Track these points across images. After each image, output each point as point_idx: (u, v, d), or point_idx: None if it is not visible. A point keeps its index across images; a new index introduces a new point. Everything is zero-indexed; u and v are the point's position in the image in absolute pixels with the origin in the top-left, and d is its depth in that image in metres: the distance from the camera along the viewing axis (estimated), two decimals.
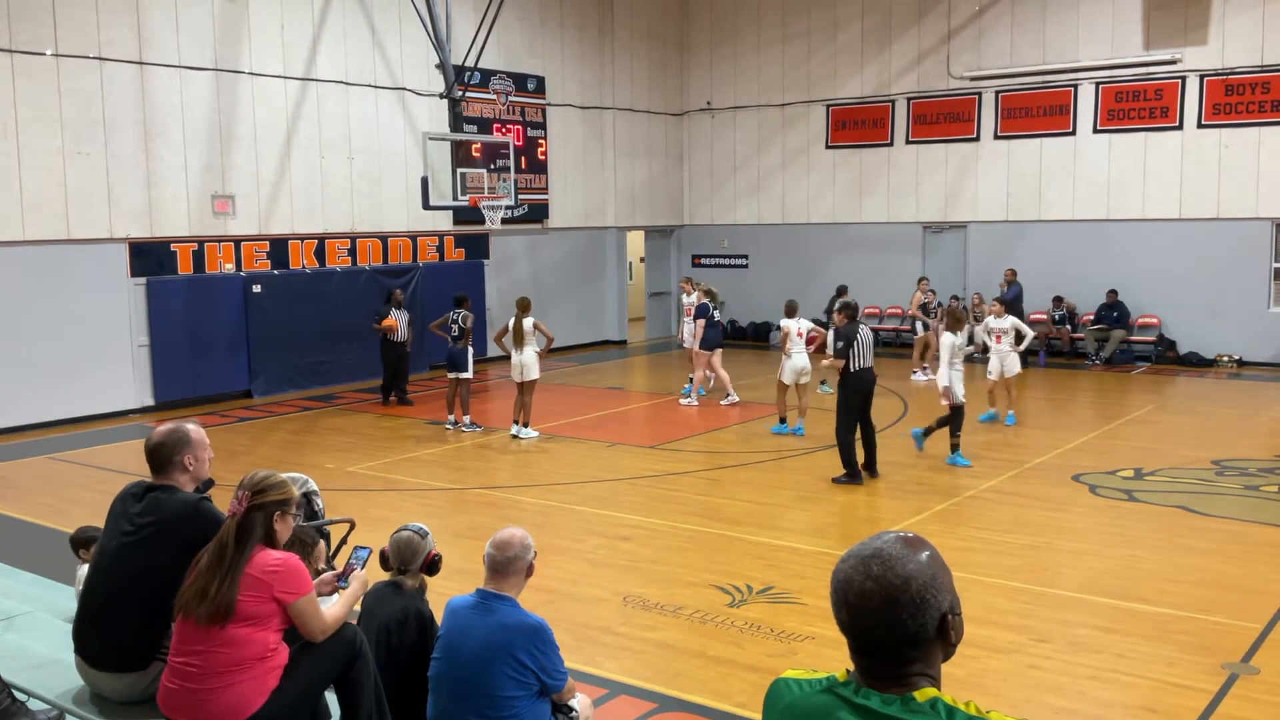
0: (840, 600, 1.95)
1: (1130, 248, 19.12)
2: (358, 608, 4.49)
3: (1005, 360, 13.48)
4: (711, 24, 23.68)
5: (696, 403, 15.41)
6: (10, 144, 13.93)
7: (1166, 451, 12.04)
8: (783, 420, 13.24)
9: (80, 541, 5.66)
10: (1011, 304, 19.56)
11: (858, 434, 10.87)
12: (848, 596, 1.93)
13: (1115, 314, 19.04)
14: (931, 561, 1.95)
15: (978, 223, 20.82)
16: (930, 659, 1.94)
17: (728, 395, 15.32)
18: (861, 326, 10.86)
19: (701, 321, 15.21)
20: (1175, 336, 18.95)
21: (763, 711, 2.09)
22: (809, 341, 13.41)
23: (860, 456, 10.86)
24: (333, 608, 4.06)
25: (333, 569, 5.14)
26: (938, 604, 1.91)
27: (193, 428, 4.36)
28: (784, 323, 13.51)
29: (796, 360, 13.13)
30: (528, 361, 13.29)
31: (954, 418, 11.46)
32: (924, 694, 1.90)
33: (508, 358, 13.78)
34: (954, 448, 11.46)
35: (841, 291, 15.64)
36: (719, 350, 15.33)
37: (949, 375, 11.39)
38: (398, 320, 15.52)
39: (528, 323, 13.41)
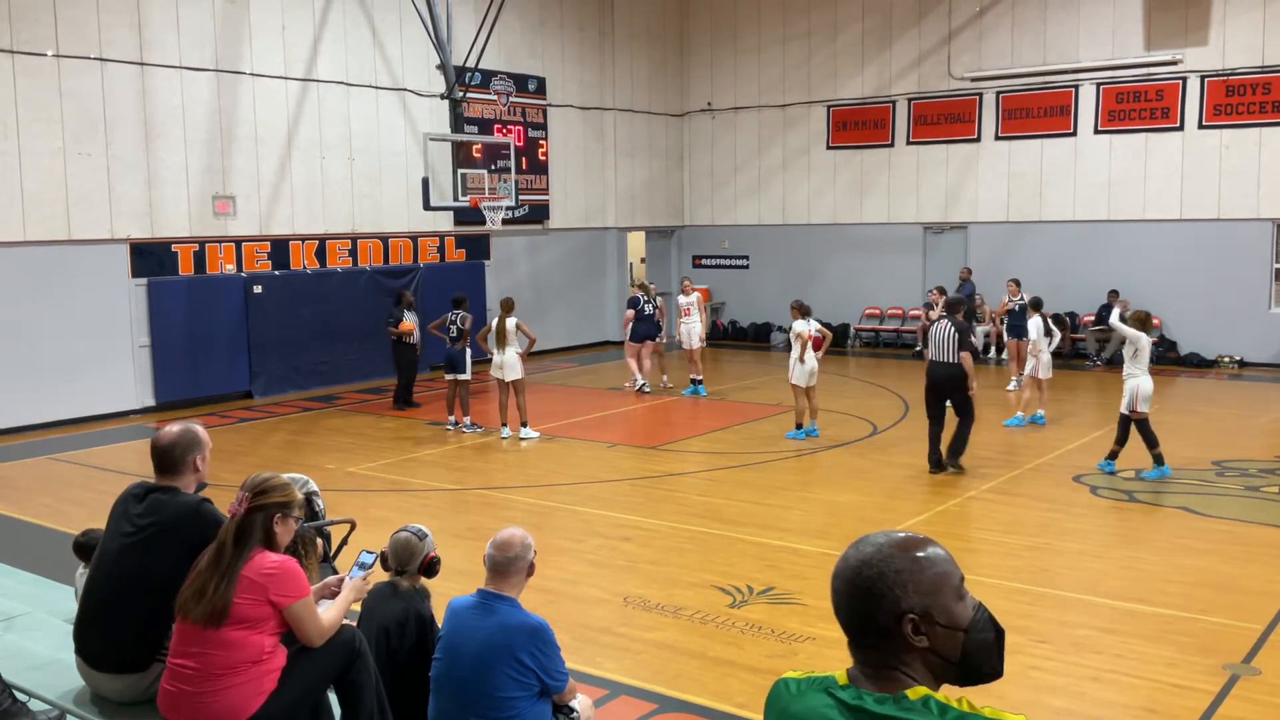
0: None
1: (1131, 249, 19.11)
2: (357, 608, 4.48)
3: (1040, 360, 13.71)
4: (711, 25, 23.68)
5: (635, 390, 16.52)
6: (11, 144, 13.94)
7: (1167, 452, 11.98)
8: (799, 425, 13.21)
9: (84, 546, 5.54)
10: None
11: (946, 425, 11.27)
12: (831, 578, 2.02)
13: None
14: (913, 562, 1.93)
15: (978, 223, 20.82)
16: (904, 659, 1.92)
17: (635, 381, 16.57)
18: (941, 321, 11.25)
19: (631, 313, 16.39)
20: (1176, 337, 18.94)
21: (764, 713, 2.09)
22: (815, 345, 13.33)
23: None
24: (328, 611, 4.04)
25: (334, 570, 5.13)
26: (894, 598, 1.90)
27: (200, 429, 4.37)
28: (798, 325, 13.14)
29: (808, 362, 13.07)
30: (509, 362, 13.30)
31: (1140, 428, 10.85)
32: (916, 692, 1.90)
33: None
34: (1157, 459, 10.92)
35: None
36: (649, 343, 16.39)
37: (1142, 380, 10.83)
38: (412, 323, 15.45)
39: (510, 323, 13.40)
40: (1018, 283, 16.82)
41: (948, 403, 11.22)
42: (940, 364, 11.12)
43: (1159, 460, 10.86)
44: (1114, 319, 11.35)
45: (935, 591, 1.92)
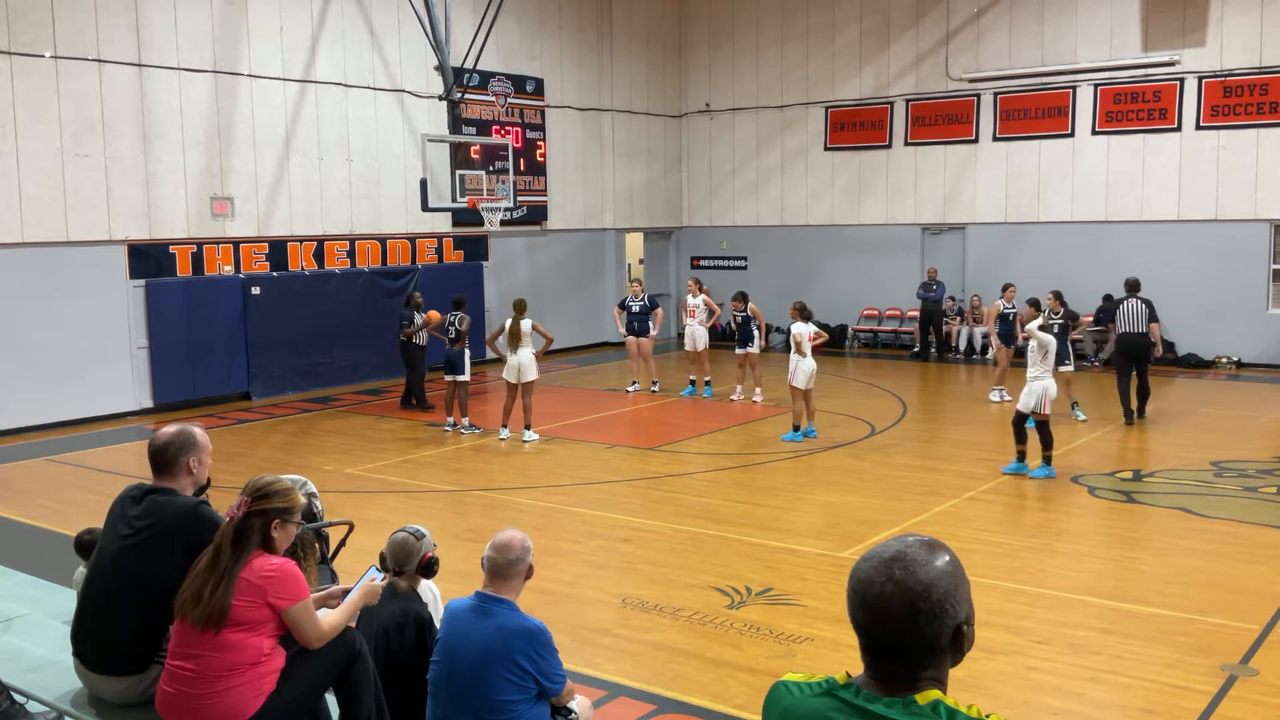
0: (859, 600, 1.94)
1: (1129, 249, 19.11)
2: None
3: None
4: (710, 26, 23.69)
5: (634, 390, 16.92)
6: (9, 146, 13.92)
7: (1165, 453, 12.04)
8: (796, 427, 13.19)
9: (86, 544, 5.55)
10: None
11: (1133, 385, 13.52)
12: (866, 597, 1.92)
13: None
14: (953, 570, 1.94)
15: (976, 224, 20.83)
16: (940, 666, 1.94)
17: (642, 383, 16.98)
18: (1129, 299, 13.62)
19: (619, 310, 16.92)
20: (1174, 338, 18.94)
21: (762, 715, 2.09)
22: (815, 350, 13.29)
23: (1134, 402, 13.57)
24: (330, 616, 4.04)
25: (332, 572, 5.13)
26: (954, 614, 1.91)
27: (198, 431, 4.36)
28: (798, 327, 13.11)
29: (809, 363, 13.04)
30: (525, 363, 13.28)
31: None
32: (925, 696, 1.90)
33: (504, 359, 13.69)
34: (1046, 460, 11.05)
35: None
36: (636, 341, 16.65)
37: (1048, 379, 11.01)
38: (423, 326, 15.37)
39: (525, 324, 13.38)
40: (1013, 286, 16.14)
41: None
42: (1133, 334, 13.45)
43: (1048, 461, 11.00)
44: (1031, 326, 11.43)
45: (968, 595, 1.96)
